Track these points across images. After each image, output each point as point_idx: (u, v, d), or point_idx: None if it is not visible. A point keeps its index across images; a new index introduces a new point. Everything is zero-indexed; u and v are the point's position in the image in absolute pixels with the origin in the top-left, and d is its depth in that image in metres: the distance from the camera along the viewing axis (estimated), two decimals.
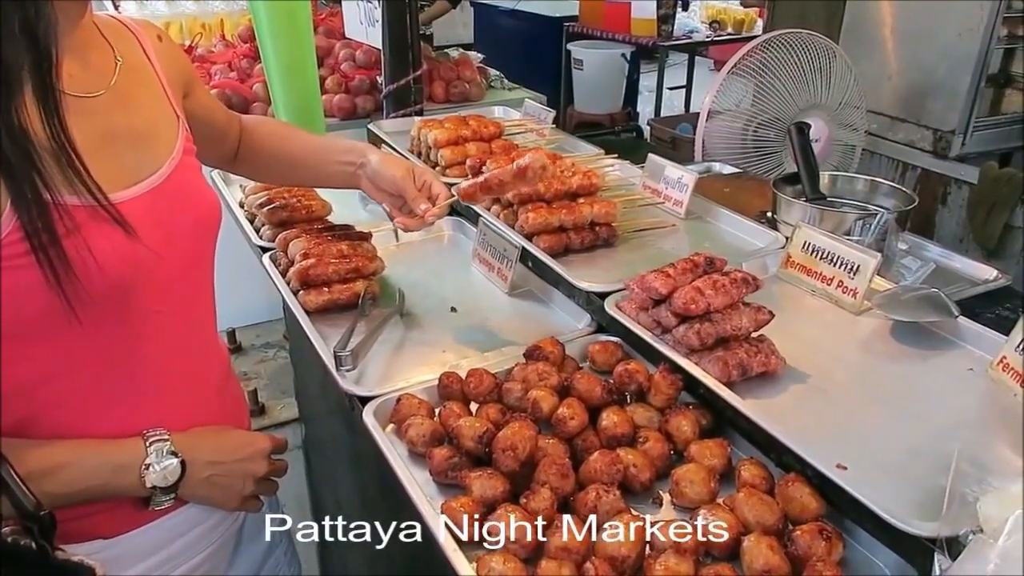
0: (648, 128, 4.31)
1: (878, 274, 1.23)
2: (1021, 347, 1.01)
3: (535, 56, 6.14)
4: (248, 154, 1.28)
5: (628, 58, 5.66)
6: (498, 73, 3.38)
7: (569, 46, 5.78)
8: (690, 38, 5.56)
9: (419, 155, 1.84)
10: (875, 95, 2.67)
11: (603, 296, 1.23)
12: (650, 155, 1.66)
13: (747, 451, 1.00)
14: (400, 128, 2.09)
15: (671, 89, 6.08)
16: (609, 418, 1.00)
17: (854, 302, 1.21)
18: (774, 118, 2.36)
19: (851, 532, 0.87)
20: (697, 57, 6.19)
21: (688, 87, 6.14)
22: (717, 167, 2.24)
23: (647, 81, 6.49)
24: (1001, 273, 1.38)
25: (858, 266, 1.20)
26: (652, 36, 5.47)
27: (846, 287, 1.22)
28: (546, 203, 1.45)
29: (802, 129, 1.55)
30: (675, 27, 5.53)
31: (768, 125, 2.37)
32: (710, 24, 5.83)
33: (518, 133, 1.95)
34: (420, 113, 2.22)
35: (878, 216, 1.30)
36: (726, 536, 0.83)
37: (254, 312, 2.66)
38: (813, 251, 1.27)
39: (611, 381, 1.07)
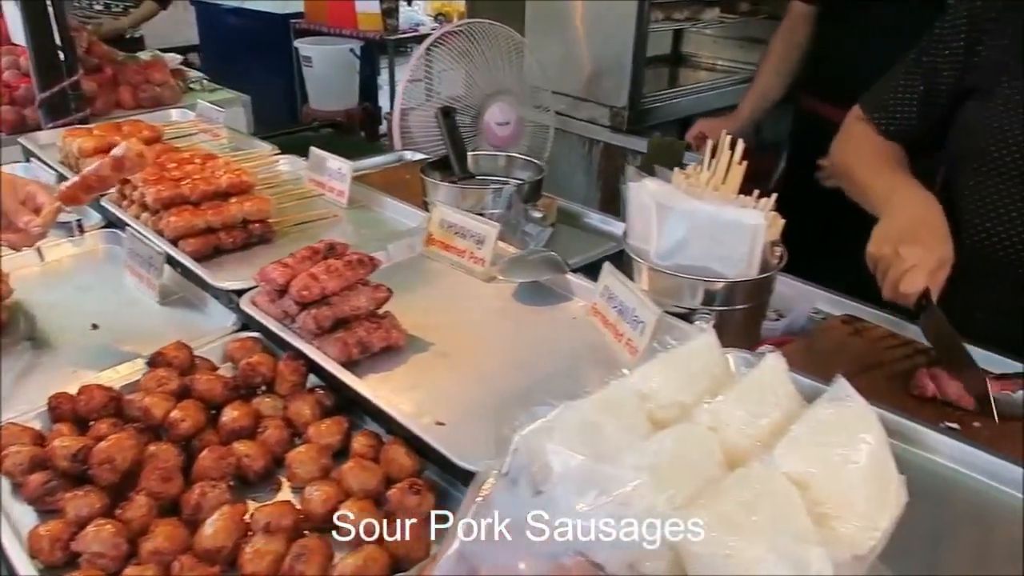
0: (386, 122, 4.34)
1: (506, 241, 1.33)
2: (604, 294, 1.14)
3: (265, 54, 5.95)
4: None
5: (358, 53, 5.64)
6: (200, 74, 3.24)
7: (297, 43, 5.65)
8: (416, 31, 5.66)
9: (71, 167, 1.71)
10: (562, 78, 2.88)
11: (242, 293, 1.22)
12: (312, 148, 1.67)
13: (370, 424, 1.04)
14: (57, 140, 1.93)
15: (412, 82, 6.14)
16: (228, 413, 1.00)
17: (483, 270, 1.30)
18: (466, 105, 2.48)
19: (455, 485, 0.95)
20: None
21: (428, 79, 6.23)
22: (409, 155, 2.30)
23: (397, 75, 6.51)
24: None
25: (484, 237, 1.30)
26: (379, 30, 5.51)
27: (476, 257, 1.31)
28: (193, 205, 1.41)
29: (448, 112, 1.64)
30: (401, 21, 5.61)
31: (462, 112, 2.48)
32: (435, 17, 5.96)
33: (187, 135, 1.88)
34: (85, 121, 2.07)
35: (504, 189, 1.41)
36: (323, 508, 0.87)
37: None
38: (448, 227, 1.35)
39: (236, 377, 1.07)
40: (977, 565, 0.80)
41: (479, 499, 0.68)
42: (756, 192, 1.13)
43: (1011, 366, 1.14)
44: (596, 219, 1.76)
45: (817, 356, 1.22)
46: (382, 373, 1.08)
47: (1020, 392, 1.08)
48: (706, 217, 1.08)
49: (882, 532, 0.80)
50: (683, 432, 0.82)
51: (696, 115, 3.11)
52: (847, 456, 0.80)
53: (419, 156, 2.31)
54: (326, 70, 5.50)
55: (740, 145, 1.13)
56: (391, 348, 1.11)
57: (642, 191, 1.14)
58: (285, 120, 5.36)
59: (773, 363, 0.92)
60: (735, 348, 1.00)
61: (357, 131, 5.42)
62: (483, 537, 0.65)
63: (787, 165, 2.50)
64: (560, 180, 2.83)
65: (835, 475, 0.78)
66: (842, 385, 0.86)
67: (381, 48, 5.78)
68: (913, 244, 1.13)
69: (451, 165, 1.59)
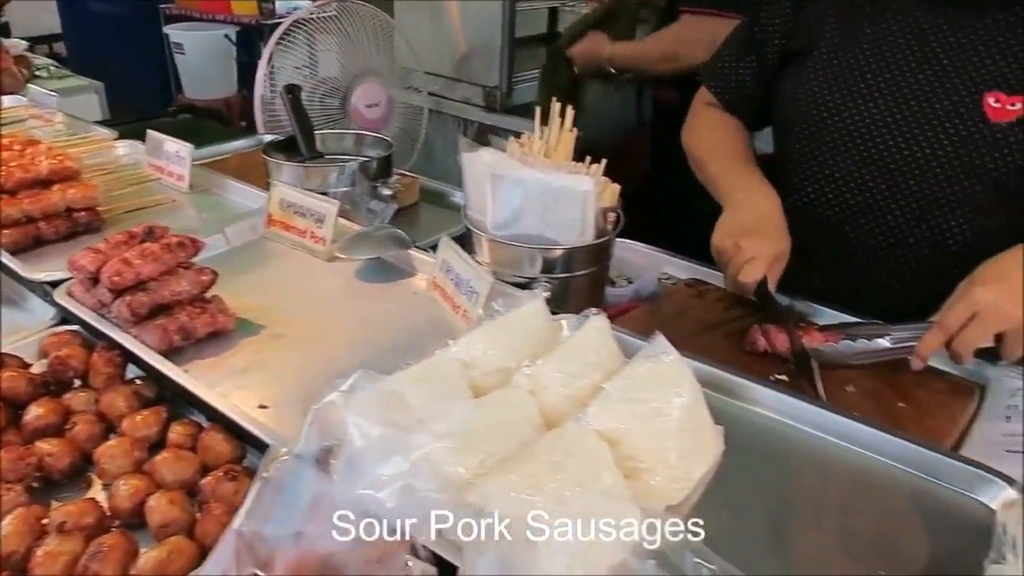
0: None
1: (350, 219, 1.30)
2: (442, 267, 1.12)
3: (135, 41, 5.65)
4: None
5: (233, 39, 5.43)
6: (48, 60, 3.04)
7: (167, 29, 5.39)
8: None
9: None
10: (435, 59, 2.84)
11: (56, 285, 1.14)
12: (149, 131, 1.58)
13: (198, 415, 0.99)
14: None
15: (298, 69, 5.95)
16: (33, 411, 0.93)
17: (324, 249, 1.26)
18: (333, 88, 2.41)
19: None
20: None
21: (314, 63, 6.06)
22: (269, 138, 2.22)
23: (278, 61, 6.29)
24: None
25: (324, 215, 1.26)
26: (254, 15, 5.32)
27: (316, 236, 1.27)
28: (9, 194, 1.31)
29: (292, 91, 1.58)
30: (278, 5, 5.43)
31: (331, 95, 2.41)
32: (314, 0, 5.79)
33: (17, 122, 1.75)
34: None
35: (347, 166, 1.37)
36: (130, 503, 0.82)
37: None
38: (288, 207, 1.30)
39: (45, 373, 1.00)
40: (797, 511, 0.82)
41: (264, 477, 0.65)
42: (588, 159, 1.13)
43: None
44: (460, 196, 1.74)
45: (661, 319, 1.25)
46: (209, 359, 1.03)
47: (843, 342, 1.13)
48: (538, 185, 1.07)
49: (695, 482, 0.82)
50: (499, 397, 0.81)
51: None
52: (659, 410, 0.81)
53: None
54: (199, 57, 5.27)
55: (570, 112, 1.13)
56: (219, 333, 1.06)
57: (476, 161, 1.12)
58: (157, 110, 5.11)
59: (596, 324, 0.92)
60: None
61: (237, 120, 5.22)
62: (264, 519, 0.62)
63: (652, 135, 2.55)
64: (437, 161, 2.79)
65: (647, 429, 0.79)
66: (659, 342, 0.87)
67: (260, 33, 5.58)
68: (753, 237, 1.16)
69: (298, 145, 1.53)
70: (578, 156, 1.15)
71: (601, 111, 3.39)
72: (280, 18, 5.38)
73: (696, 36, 2.05)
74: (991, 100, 1.12)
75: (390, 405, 0.72)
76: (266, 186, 1.49)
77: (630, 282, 1.37)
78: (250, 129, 2.28)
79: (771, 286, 1.16)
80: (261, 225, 1.34)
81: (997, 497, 0.80)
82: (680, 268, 1.41)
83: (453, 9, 2.87)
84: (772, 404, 0.96)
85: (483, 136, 2.82)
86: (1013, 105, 1.11)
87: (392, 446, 0.68)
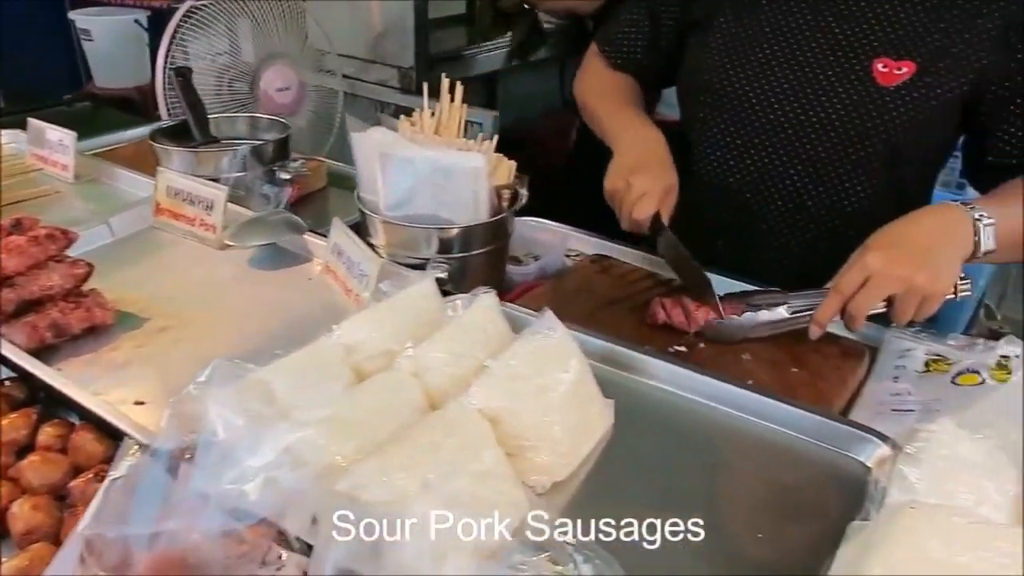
0: None
1: (244, 205, 1.25)
2: (334, 250, 1.09)
3: (37, 27, 5.37)
4: None
5: (144, 24, 5.21)
6: None
7: (72, 15, 5.14)
8: None
9: None
10: (349, 40, 2.78)
11: None
12: (30, 120, 1.50)
13: (70, 414, 0.94)
14: None
15: (204, 54, 5.76)
16: None
17: (214, 237, 1.21)
18: (241, 72, 2.33)
19: None
20: None
21: (221, 46, 5.88)
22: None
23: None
24: None
25: (213, 202, 1.21)
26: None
27: (206, 224, 1.22)
28: None
29: (182, 73, 1.52)
30: None
31: (239, 79, 2.33)
32: None
33: None
34: None
35: (238, 150, 1.32)
36: None
37: None
38: (176, 194, 1.25)
39: None
40: (682, 480, 0.83)
41: (114, 477, 0.62)
42: (480, 135, 1.11)
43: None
44: None
45: (563, 295, 1.24)
46: (86, 356, 0.98)
47: (746, 314, 1.13)
48: (427, 163, 1.05)
49: (582, 458, 0.81)
50: (379, 380, 0.79)
51: (494, 73, 3.12)
52: (544, 386, 0.80)
53: None
54: (108, 44, 5.03)
55: (459, 88, 1.11)
56: (96, 328, 1.01)
57: (366, 141, 1.09)
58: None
59: (485, 302, 0.91)
60: None
61: (152, 108, 5.03)
62: (119, 520, 0.59)
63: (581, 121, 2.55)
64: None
65: (531, 407, 0.78)
66: (547, 317, 0.87)
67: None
68: (641, 174, 1.17)
69: (191, 130, 1.47)
70: (504, 137, 1.13)
71: (524, 92, 3.38)
72: (195, 1, 5.21)
73: None
74: (880, 66, 1.15)
75: (255, 395, 0.70)
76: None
77: (536, 259, 1.36)
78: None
79: (664, 219, 1.16)
80: (149, 214, 1.28)
81: (873, 455, 0.82)
82: (587, 244, 1.41)
83: None
84: (665, 376, 0.97)
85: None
86: (900, 70, 1.14)
87: (258, 436, 0.65)
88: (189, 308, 1.09)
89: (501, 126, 2.46)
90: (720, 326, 1.12)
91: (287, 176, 1.38)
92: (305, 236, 1.21)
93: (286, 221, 1.22)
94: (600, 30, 1.44)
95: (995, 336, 1.10)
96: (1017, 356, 1.00)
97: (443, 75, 1.12)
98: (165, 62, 2.21)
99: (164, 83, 2.28)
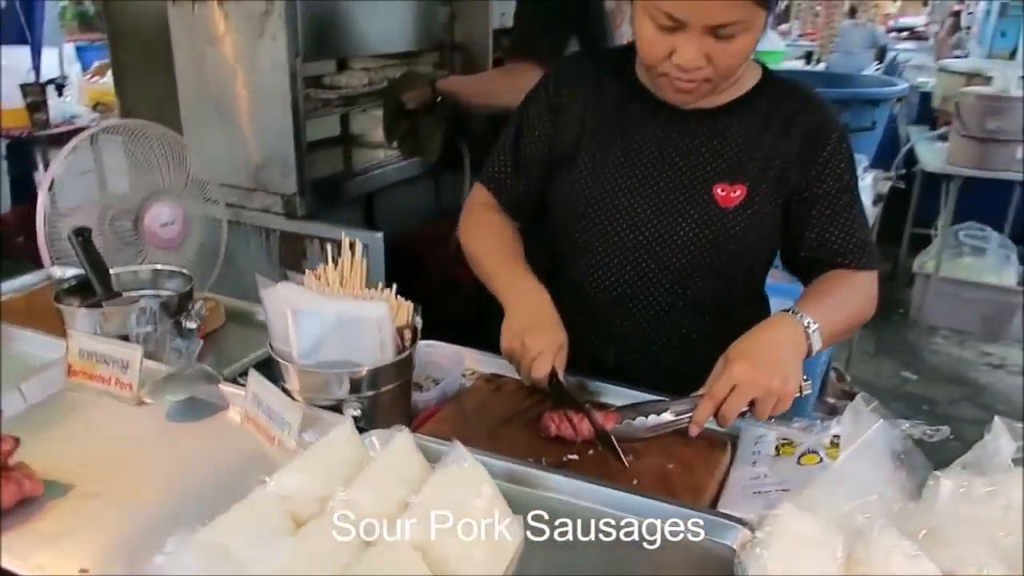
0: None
1: (157, 360, 1.32)
2: (252, 400, 1.19)
3: None
4: None
5: (2, 152, 5.10)
6: None
7: None
8: (73, 124, 5.25)
9: None
10: (230, 170, 2.87)
11: None
12: None
13: None
14: None
15: (58, 186, 5.65)
16: None
17: (131, 395, 1.28)
18: (123, 210, 2.38)
19: None
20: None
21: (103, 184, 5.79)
22: (59, 272, 2.15)
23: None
24: None
25: (128, 361, 1.28)
26: (26, 127, 5.05)
27: (122, 382, 1.28)
28: None
29: (81, 232, 1.58)
30: (53, 113, 5.19)
31: (121, 217, 2.38)
32: (94, 107, 5.59)
33: None
34: None
35: (147, 306, 1.40)
36: None
37: None
38: (89, 356, 1.30)
39: None
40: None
41: None
42: (380, 284, 1.25)
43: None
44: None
45: (464, 417, 1.37)
46: (17, 529, 1.02)
47: (639, 419, 1.30)
48: (335, 315, 1.18)
49: (502, 572, 0.94)
50: (314, 527, 0.89)
51: (375, 192, 3.28)
52: (461, 513, 0.92)
53: (72, 271, 2.17)
54: None
55: (359, 244, 1.25)
56: (29, 500, 1.05)
57: (275, 296, 1.21)
58: None
59: (401, 440, 1.03)
60: (386, 428, 1.11)
61: (14, 236, 4.87)
62: None
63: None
64: (242, 274, 2.80)
65: (452, 533, 0.90)
66: (457, 449, 1.00)
67: (33, 145, 5.28)
68: (534, 335, 1.33)
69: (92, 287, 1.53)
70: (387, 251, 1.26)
71: (402, 205, 3.56)
72: (56, 128, 5.15)
73: (516, 81, 2.30)
74: (718, 190, 1.41)
75: (216, 559, 0.79)
76: (62, 332, 1.47)
77: (436, 383, 1.49)
78: (31, 248, 2.17)
79: (560, 375, 1.33)
80: (61, 377, 1.33)
81: (737, 539, 0.99)
82: (482, 363, 1.55)
83: (243, 120, 2.92)
84: (561, 488, 1.11)
85: (287, 245, 2.88)
86: (735, 192, 1.40)
87: None
88: (114, 470, 1.14)
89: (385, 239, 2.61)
90: (618, 429, 1.28)
91: (193, 325, 1.46)
92: (220, 385, 1.29)
93: (202, 373, 1.30)
94: (484, 171, 1.61)
95: (848, 396, 1.33)
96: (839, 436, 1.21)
97: (343, 234, 1.26)
98: (45, 215, 2.24)
99: (46, 236, 2.29)
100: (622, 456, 1.23)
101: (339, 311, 1.18)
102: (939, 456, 1.08)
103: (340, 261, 1.26)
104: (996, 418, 1.04)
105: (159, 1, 3.02)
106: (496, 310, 1.42)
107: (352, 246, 1.24)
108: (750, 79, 1.43)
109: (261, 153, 2.88)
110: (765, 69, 1.47)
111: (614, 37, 2.70)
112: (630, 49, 1.46)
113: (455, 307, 2.02)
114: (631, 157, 1.45)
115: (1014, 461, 1.02)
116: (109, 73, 6.15)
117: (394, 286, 1.25)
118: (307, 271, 1.27)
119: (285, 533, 0.89)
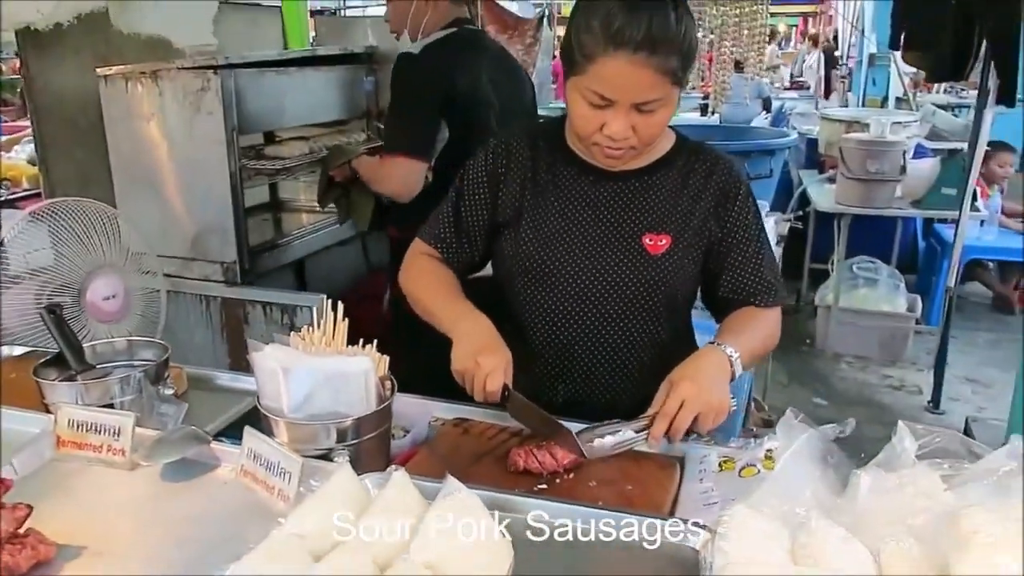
0: None
1: (144, 426, 1.39)
2: (249, 455, 1.28)
3: None
4: None
5: None
6: None
7: None
8: None
9: None
10: (166, 241, 2.92)
11: None
12: None
13: None
14: None
15: (20, 272, 5.47)
16: None
17: (124, 460, 1.34)
18: (64, 285, 2.40)
19: None
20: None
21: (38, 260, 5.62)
22: (7, 350, 2.15)
23: None
24: None
25: (120, 428, 1.34)
26: None
27: (114, 449, 1.35)
28: None
29: (53, 310, 1.63)
30: None
31: (61, 292, 2.39)
32: (1, 183, 5.47)
33: None
34: None
35: (131, 376, 1.47)
36: None
37: None
38: (79, 427, 1.36)
39: None
40: None
41: None
42: (361, 340, 1.38)
43: None
44: (227, 378, 1.88)
45: (438, 459, 1.49)
46: None
47: (597, 441, 1.45)
48: (323, 372, 1.29)
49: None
50: (335, 557, 1.00)
51: (308, 257, 3.37)
52: (464, 533, 1.04)
53: (20, 349, 2.17)
54: None
55: (340, 306, 1.38)
56: (42, 564, 1.11)
57: (265, 358, 1.31)
58: None
59: (398, 479, 1.15)
60: (371, 472, 1.22)
61: None
62: None
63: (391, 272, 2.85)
64: (184, 343, 2.83)
65: (455, 553, 1.03)
66: (451, 482, 1.12)
67: None
68: (485, 354, 1.47)
69: (67, 361, 1.58)
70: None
71: (332, 263, 3.66)
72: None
73: (390, 172, 2.58)
74: (647, 240, 1.61)
75: None
76: (41, 406, 1.52)
77: (406, 432, 1.60)
78: None
79: (510, 386, 1.47)
80: (49, 448, 1.38)
81: (699, 541, 1.15)
82: (446, 410, 1.67)
83: (179, 192, 2.98)
84: (540, 509, 1.24)
85: (229, 310, 2.93)
86: (661, 241, 1.60)
87: None
88: (119, 530, 1.21)
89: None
90: (593, 448, 1.42)
91: (171, 391, 1.53)
92: (211, 445, 1.37)
93: (192, 434, 1.37)
94: (426, 230, 1.76)
95: (768, 424, 1.54)
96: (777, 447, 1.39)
97: (324, 297, 1.38)
98: None
99: None
100: (581, 448, 1.41)
101: (328, 366, 1.29)
102: (859, 461, 1.28)
103: (323, 323, 1.37)
104: (900, 422, 1.24)
105: (82, 78, 3.08)
106: (432, 361, 1.56)
107: (335, 307, 1.36)
108: (667, 142, 1.66)
109: (199, 223, 2.95)
110: (679, 135, 1.69)
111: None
112: (561, 121, 1.67)
113: (392, 362, 2.15)
114: (568, 216, 1.64)
115: (917, 457, 1.21)
116: (15, 148, 6.04)
117: (375, 342, 1.37)
118: (292, 333, 1.38)
119: (306, 568, 0.99)
